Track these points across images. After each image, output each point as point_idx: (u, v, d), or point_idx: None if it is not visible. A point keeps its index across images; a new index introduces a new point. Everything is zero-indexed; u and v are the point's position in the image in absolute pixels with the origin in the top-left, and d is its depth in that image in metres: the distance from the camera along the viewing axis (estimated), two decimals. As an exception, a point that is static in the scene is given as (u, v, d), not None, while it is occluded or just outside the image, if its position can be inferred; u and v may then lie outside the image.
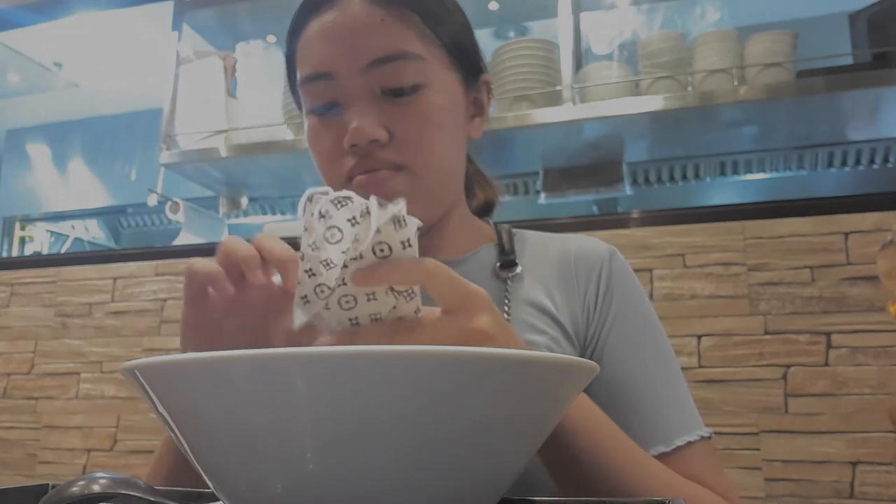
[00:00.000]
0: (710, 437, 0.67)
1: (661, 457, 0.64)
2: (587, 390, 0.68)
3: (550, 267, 0.76)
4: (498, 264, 0.76)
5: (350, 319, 0.44)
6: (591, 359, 0.69)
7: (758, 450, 1.45)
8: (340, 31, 0.66)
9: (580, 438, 0.55)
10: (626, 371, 0.69)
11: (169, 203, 2.35)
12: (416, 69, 0.66)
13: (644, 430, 0.65)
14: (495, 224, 0.82)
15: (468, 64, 0.73)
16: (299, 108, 0.74)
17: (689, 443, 0.65)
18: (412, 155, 0.66)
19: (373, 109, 0.65)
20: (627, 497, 0.56)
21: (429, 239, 0.73)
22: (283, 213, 2.92)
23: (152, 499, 0.37)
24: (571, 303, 0.73)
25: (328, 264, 0.42)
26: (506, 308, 0.72)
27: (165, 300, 1.96)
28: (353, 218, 0.42)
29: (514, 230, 0.81)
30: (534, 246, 0.79)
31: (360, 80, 0.66)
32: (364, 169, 0.66)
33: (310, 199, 0.44)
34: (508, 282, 0.74)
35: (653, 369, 0.70)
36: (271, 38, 2.36)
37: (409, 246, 0.43)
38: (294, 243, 0.48)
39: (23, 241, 3.97)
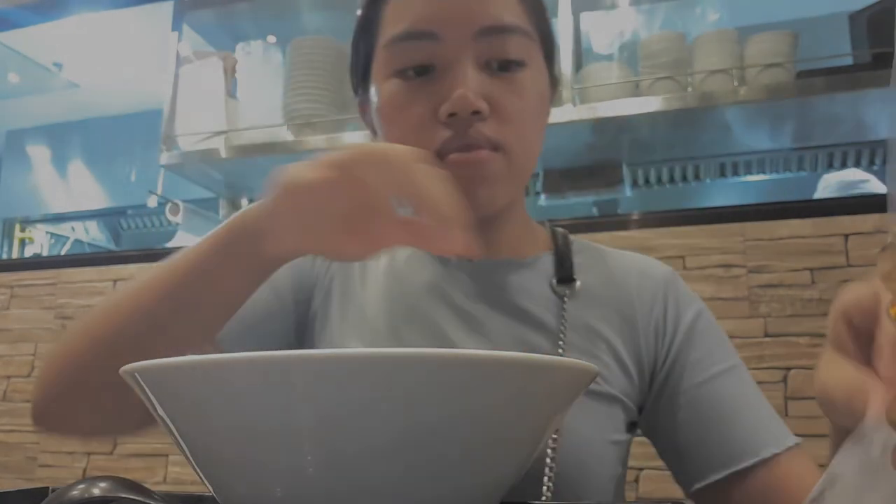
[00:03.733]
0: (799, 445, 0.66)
1: (772, 459, 0.62)
2: (668, 408, 0.68)
3: (608, 286, 0.71)
4: (555, 279, 0.71)
5: None
6: (666, 379, 0.68)
7: (758, 451, 1.45)
8: None
9: None
10: (717, 383, 0.66)
11: (169, 204, 2.35)
12: (523, 45, 0.63)
13: (748, 436, 0.63)
14: (551, 227, 0.77)
15: (551, 58, 0.70)
16: (360, 79, 0.70)
17: (788, 447, 0.63)
18: (511, 134, 0.62)
19: (476, 79, 0.61)
20: None
21: (491, 234, 0.69)
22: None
23: (152, 503, 0.36)
24: (632, 327, 0.69)
25: None
26: (561, 328, 0.67)
27: (165, 301, 1.96)
28: None
29: (570, 238, 0.76)
30: (591, 260, 0.74)
31: (467, 47, 0.61)
32: (461, 144, 0.61)
33: None
34: (565, 298, 0.69)
35: (740, 380, 0.68)
36: (271, 38, 2.36)
37: None
38: None
39: (23, 242, 3.98)
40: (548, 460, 0.60)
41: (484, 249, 0.68)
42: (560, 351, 0.66)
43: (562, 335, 0.67)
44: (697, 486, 0.65)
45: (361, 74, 0.70)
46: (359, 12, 0.70)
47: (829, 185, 2.13)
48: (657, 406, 0.69)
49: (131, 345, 0.52)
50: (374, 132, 0.72)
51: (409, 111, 0.63)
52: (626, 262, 0.75)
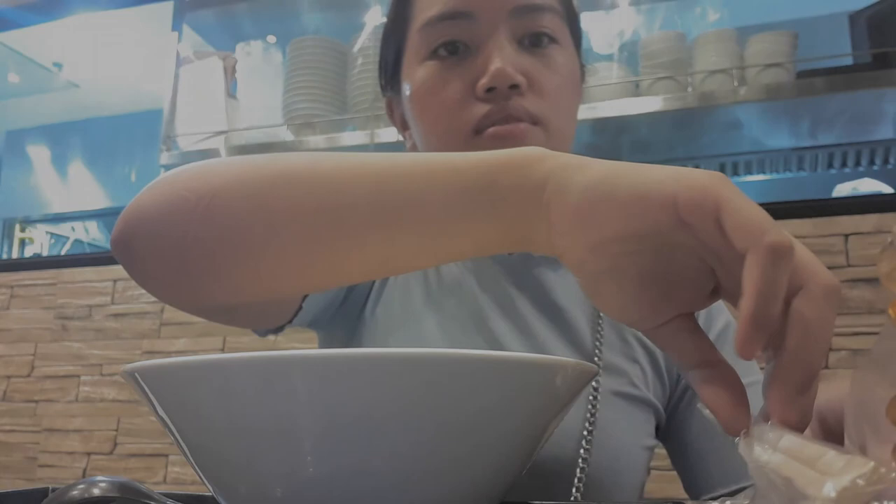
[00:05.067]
0: None
1: None
2: (686, 415, 0.67)
3: None
4: None
5: None
6: (688, 385, 0.66)
7: (758, 451, 1.45)
8: None
9: None
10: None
11: (169, 204, 2.34)
12: (555, 24, 0.64)
13: None
14: None
15: (578, 45, 0.70)
16: (391, 74, 0.69)
17: None
18: (548, 109, 0.62)
19: (513, 54, 0.61)
20: None
21: None
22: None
23: (152, 503, 0.36)
24: None
25: None
26: (598, 329, 0.67)
27: (165, 302, 1.96)
28: None
29: None
30: None
31: (501, 24, 0.61)
32: (499, 117, 0.61)
33: None
34: None
35: (758, 395, 0.68)
36: (271, 38, 2.36)
37: None
38: None
39: (23, 242, 3.97)
40: (580, 461, 0.59)
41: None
42: (598, 352, 0.65)
43: (599, 335, 0.66)
44: (704, 497, 0.65)
45: (391, 71, 0.69)
46: (380, 19, 0.70)
47: (842, 194, 2.14)
48: (676, 412, 0.69)
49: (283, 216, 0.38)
50: (402, 128, 0.71)
51: (444, 90, 0.62)
52: None
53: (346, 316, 0.68)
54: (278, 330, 0.61)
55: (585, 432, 0.60)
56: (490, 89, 0.60)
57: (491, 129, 0.61)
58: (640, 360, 0.67)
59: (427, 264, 0.40)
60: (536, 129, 0.61)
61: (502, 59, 0.60)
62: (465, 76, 0.62)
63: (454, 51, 0.63)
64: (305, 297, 0.58)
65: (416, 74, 0.64)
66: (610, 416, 0.62)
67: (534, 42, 0.63)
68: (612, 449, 0.62)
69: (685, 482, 0.69)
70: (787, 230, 0.28)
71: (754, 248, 0.28)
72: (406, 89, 0.66)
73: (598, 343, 0.66)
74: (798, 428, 0.29)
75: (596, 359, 0.65)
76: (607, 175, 0.33)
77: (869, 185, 2.12)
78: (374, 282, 0.69)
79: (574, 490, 0.59)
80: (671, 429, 0.69)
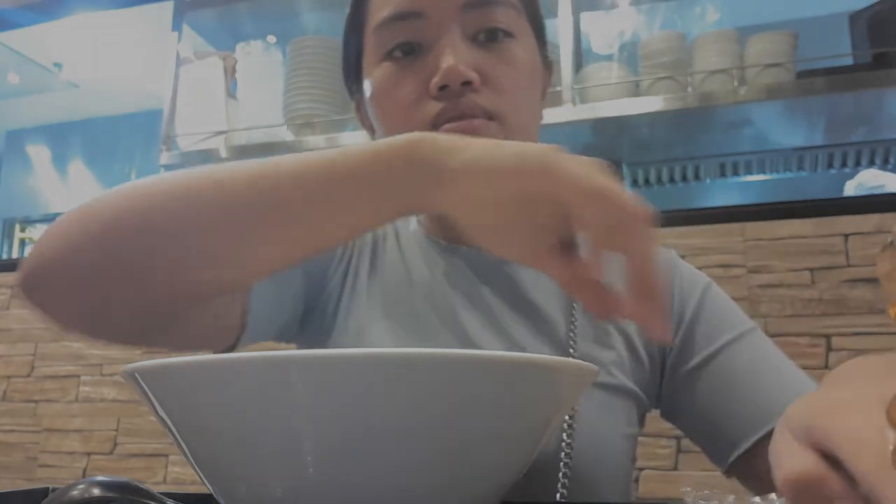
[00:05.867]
0: None
1: None
2: (686, 386, 0.67)
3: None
4: None
5: None
6: (678, 358, 0.66)
7: (758, 451, 1.45)
8: None
9: None
10: (730, 351, 0.66)
11: (169, 204, 2.34)
12: (510, 17, 0.63)
13: (771, 399, 0.62)
14: None
15: (541, 38, 0.70)
16: (354, 77, 0.69)
17: None
18: (505, 104, 0.62)
19: (465, 51, 0.61)
20: None
21: None
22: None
23: (152, 503, 0.36)
24: None
25: None
26: (573, 318, 0.67)
27: (165, 301, 1.96)
28: None
29: None
30: None
31: (453, 22, 0.61)
32: (453, 114, 0.61)
33: None
34: None
35: (753, 344, 0.67)
36: (271, 38, 2.36)
37: None
38: None
39: (23, 242, 3.98)
40: (562, 455, 0.59)
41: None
42: (572, 344, 0.65)
43: (573, 324, 0.66)
44: (729, 460, 0.63)
45: (354, 73, 0.70)
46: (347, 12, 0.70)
47: (849, 189, 2.14)
48: (674, 387, 0.68)
49: (187, 236, 0.45)
50: (371, 131, 0.71)
51: (399, 90, 0.63)
52: None
53: (313, 323, 0.68)
54: (228, 351, 0.60)
55: (566, 425, 0.60)
56: (443, 87, 0.60)
57: (445, 126, 0.61)
58: (616, 346, 0.67)
59: (332, 240, 0.48)
60: (492, 125, 0.61)
61: (454, 57, 0.60)
62: (419, 75, 0.62)
63: (409, 51, 0.63)
64: (246, 316, 0.57)
65: (374, 75, 0.65)
66: (589, 408, 0.62)
67: (489, 37, 0.63)
68: (594, 440, 0.61)
69: (708, 453, 0.67)
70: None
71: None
72: (367, 90, 0.67)
73: (572, 334, 0.66)
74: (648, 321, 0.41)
75: (571, 350, 0.65)
76: (481, 153, 0.43)
77: (871, 175, 2.11)
78: (342, 285, 0.69)
79: (559, 485, 0.58)
80: (677, 406, 0.68)
